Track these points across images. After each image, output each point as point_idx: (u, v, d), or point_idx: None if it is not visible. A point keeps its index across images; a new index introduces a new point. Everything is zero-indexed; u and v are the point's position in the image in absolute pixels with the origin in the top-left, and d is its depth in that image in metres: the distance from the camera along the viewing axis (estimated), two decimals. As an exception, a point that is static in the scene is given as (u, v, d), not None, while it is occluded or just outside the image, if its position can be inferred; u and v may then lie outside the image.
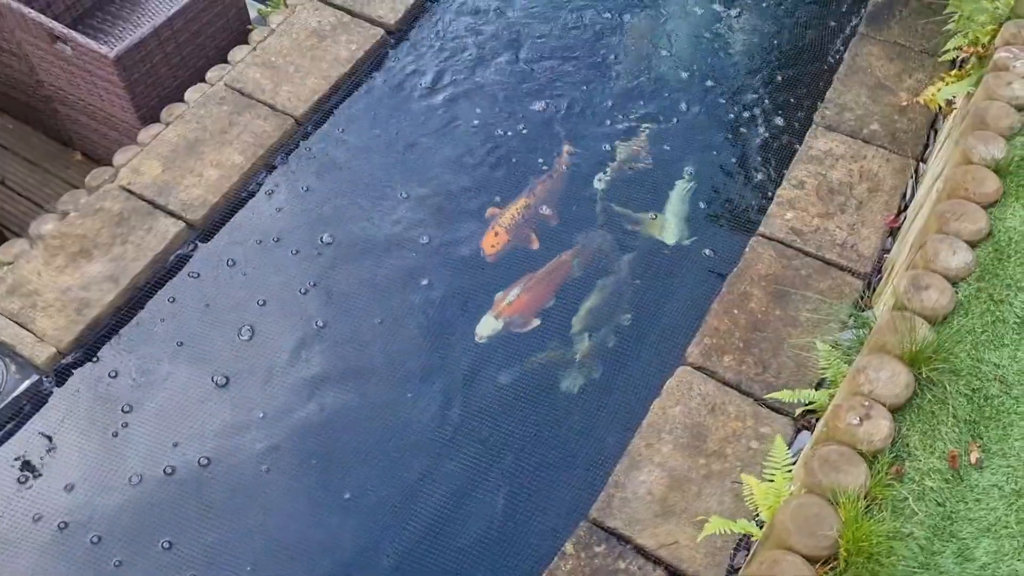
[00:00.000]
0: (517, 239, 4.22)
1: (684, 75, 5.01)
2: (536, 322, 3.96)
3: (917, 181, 4.21)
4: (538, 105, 4.83)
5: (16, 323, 3.79)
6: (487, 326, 3.93)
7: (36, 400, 3.69)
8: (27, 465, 3.53)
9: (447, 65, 5.00)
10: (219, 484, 3.52)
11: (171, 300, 4.00)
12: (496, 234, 4.22)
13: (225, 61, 4.84)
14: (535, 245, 4.21)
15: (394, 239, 4.26)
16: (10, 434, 3.60)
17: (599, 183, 4.50)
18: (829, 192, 4.22)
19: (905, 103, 4.42)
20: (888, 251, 3.99)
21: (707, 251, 4.25)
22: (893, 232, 4.05)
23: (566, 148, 4.60)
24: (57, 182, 5.15)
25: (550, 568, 3.18)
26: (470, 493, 3.52)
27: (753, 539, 3.07)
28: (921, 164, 4.30)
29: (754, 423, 3.52)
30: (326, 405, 3.74)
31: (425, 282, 4.12)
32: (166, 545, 3.35)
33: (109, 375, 3.77)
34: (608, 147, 4.66)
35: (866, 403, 2.68)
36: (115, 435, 3.61)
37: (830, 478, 2.53)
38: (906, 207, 4.13)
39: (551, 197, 4.42)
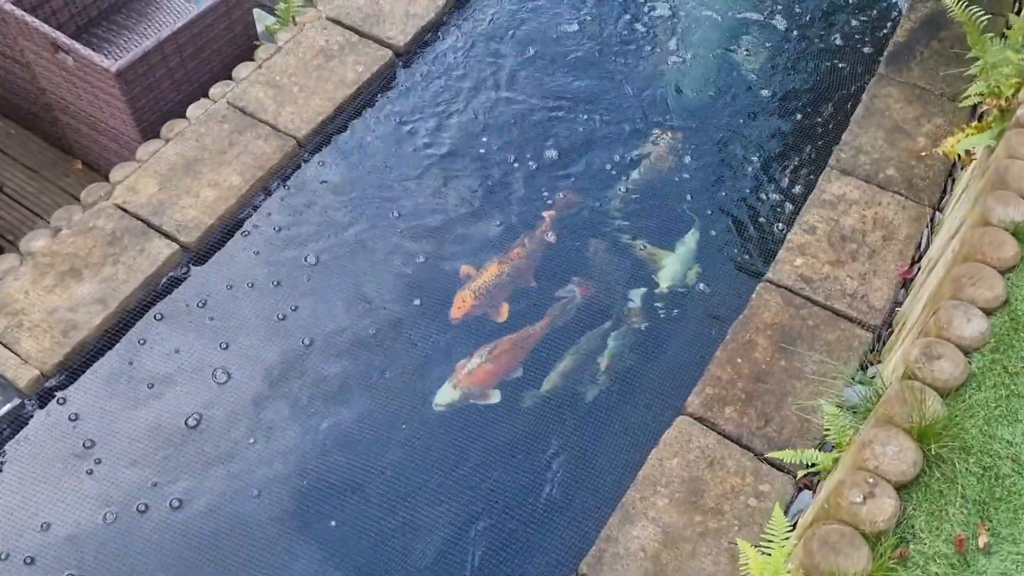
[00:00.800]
0: (486, 306, 4.04)
1: (695, 113, 4.89)
2: (495, 395, 3.76)
3: (933, 231, 4.08)
4: (542, 144, 4.70)
5: (0, 343, 3.70)
6: (445, 395, 3.75)
7: (16, 424, 3.59)
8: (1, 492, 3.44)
9: (454, 92, 4.88)
10: (197, 521, 3.42)
11: (154, 331, 3.90)
12: (464, 299, 4.04)
13: (230, 77, 4.75)
14: (503, 316, 4.01)
15: (385, 269, 4.16)
16: (-13, 458, 3.52)
17: (603, 221, 4.38)
18: (841, 239, 4.09)
19: (923, 152, 4.29)
20: (900, 304, 3.86)
21: (711, 295, 4.13)
22: (906, 284, 3.92)
23: (561, 196, 4.46)
24: (55, 190, 5.06)
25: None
26: (456, 544, 3.41)
27: (747, 613, 2.94)
28: (937, 213, 4.17)
29: (754, 480, 3.40)
30: (309, 442, 3.64)
31: (417, 302, 4.03)
32: (141, 584, 3.26)
33: (93, 401, 3.66)
34: (613, 182, 4.54)
35: (871, 480, 2.56)
36: (90, 472, 3.49)
37: (829, 561, 2.41)
38: (920, 258, 4.00)
39: (544, 248, 4.28)
